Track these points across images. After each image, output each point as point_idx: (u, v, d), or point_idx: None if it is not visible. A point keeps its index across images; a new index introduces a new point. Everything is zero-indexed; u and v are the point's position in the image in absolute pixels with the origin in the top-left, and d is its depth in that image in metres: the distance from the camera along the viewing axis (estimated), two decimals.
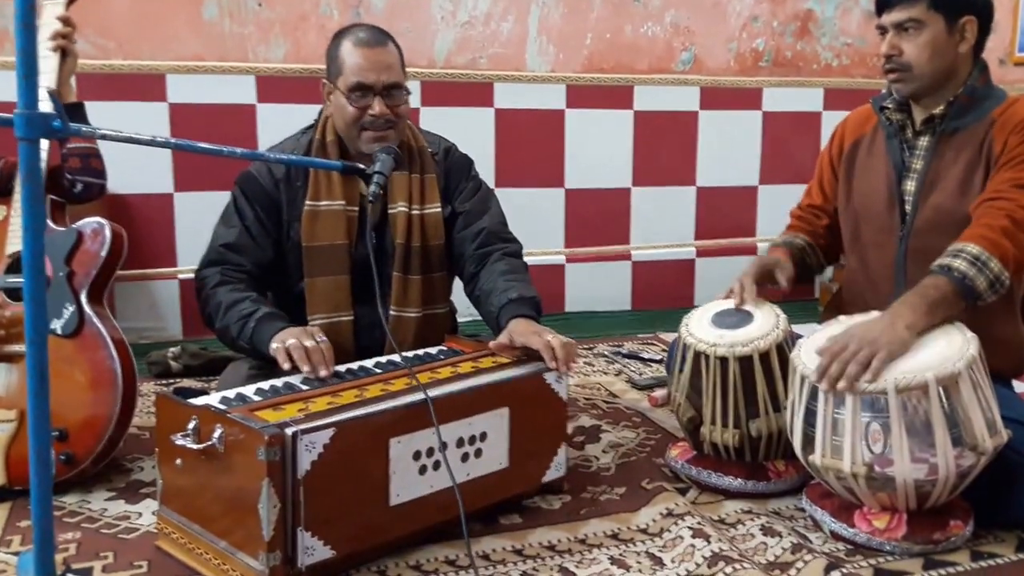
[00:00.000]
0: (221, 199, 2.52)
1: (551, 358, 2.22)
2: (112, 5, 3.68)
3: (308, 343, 2.16)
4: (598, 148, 4.41)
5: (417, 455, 1.99)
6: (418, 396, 2.00)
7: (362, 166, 2.27)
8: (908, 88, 2.33)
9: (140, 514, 2.24)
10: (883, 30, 2.34)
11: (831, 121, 4.35)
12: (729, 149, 4.65)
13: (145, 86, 3.72)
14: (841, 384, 2.02)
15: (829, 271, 4.54)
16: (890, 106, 2.42)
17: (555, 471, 2.31)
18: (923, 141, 2.38)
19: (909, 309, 2.10)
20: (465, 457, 2.10)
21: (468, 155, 2.69)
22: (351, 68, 2.39)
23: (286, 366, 2.14)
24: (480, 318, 2.52)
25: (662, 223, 4.60)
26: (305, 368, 2.12)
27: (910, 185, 2.39)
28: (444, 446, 2.01)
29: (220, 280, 2.39)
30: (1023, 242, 2.16)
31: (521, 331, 2.28)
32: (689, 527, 2.16)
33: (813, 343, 2.18)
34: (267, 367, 2.27)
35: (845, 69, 4.79)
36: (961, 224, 2.24)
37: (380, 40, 2.43)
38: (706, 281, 4.61)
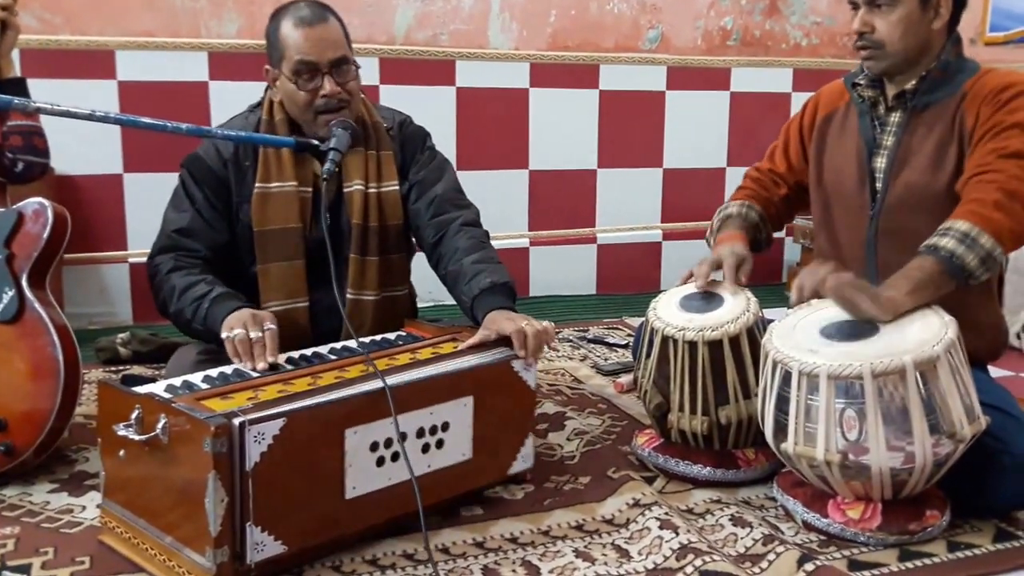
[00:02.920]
0: (173, 180, 2.46)
1: (520, 346, 2.14)
2: None
3: (252, 334, 2.09)
4: (563, 128, 4.39)
5: (375, 446, 1.92)
6: (375, 384, 1.93)
7: (316, 142, 2.21)
8: (880, 66, 2.28)
9: (84, 507, 2.16)
10: (854, 5, 2.29)
11: (800, 102, 4.31)
12: (696, 130, 4.65)
13: (93, 63, 3.65)
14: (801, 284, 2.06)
15: (796, 254, 4.54)
16: (862, 82, 2.37)
17: (522, 462, 2.25)
18: (895, 117, 2.34)
19: (891, 290, 2.06)
20: (426, 448, 2.02)
21: (423, 127, 2.61)
22: (293, 48, 2.30)
23: (236, 361, 2.09)
24: (442, 303, 2.45)
25: (628, 205, 4.59)
26: (246, 364, 2.06)
27: (880, 162, 2.34)
28: (403, 437, 1.94)
29: (174, 266, 2.32)
30: (1019, 213, 2.08)
31: (494, 319, 2.21)
32: (656, 518, 2.11)
33: (784, 327, 2.13)
34: (217, 352, 2.19)
35: (814, 49, 4.79)
36: (933, 201, 2.20)
37: (320, 16, 2.33)
38: (673, 264, 4.60)
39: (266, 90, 2.46)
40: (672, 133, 4.59)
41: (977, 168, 2.15)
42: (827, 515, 2.08)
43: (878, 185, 2.33)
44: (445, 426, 2.05)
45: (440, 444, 2.05)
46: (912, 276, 2.06)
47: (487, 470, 2.18)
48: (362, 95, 2.46)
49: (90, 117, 1.73)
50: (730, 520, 2.13)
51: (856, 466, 1.97)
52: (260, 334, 2.09)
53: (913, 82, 2.27)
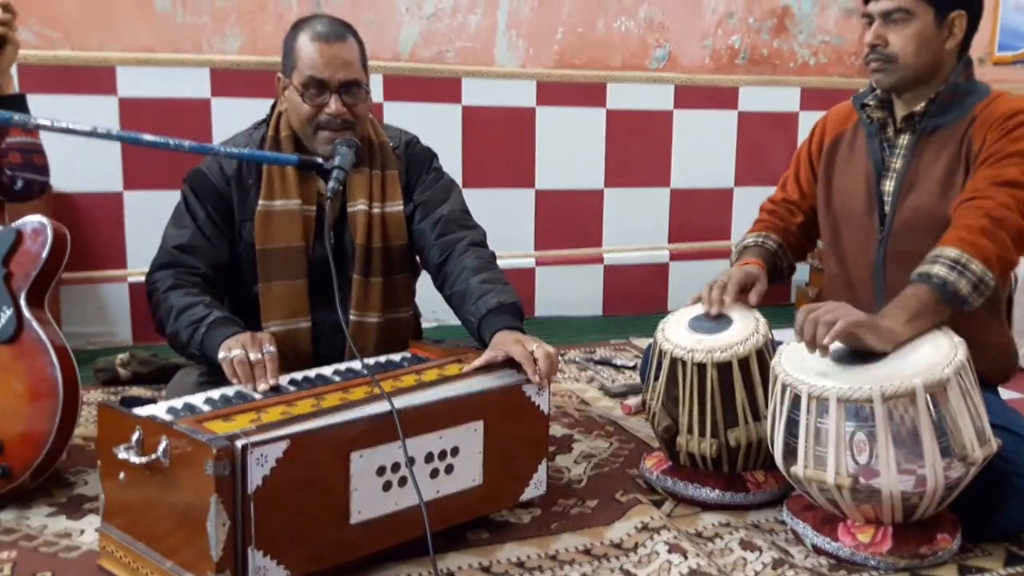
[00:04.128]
0: (173, 198, 2.44)
1: (533, 371, 2.11)
2: None
3: (252, 355, 2.06)
4: (569, 147, 4.38)
5: (381, 470, 1.89)
6: (382, 407, 1.90)
7: (320, 160, 2.19)
8: (890, 80, 2.27)
9: (83, 531, 2.13)
10: (869, 18, 2.28)
11: (808, 121, 4.31)
12: (704, 150, 4.64)
13: (93, 79, 3.65)
14: (819, 331, 2.00)
15: (806, 274, 4.52)
16: (871, 103, 2.36)
17: (534, 489, 2.21)
18: (904, 139, 2.32)
19: (889, 319, 2.04)
20: (434, 473, 1.99)
21: (430, 147, 2.59)
22: (306, 62, 2.28)
23: (235, 382, 2.05)
24: (445, 323, 2.42)
25: (635, 225, 4.58)
26: (247, 386, 2.03)
27: (889, 185, 2.33)
28: (411, 461, 1.91)
29: (173, 284, 2.29)
30: (1005, 240, 2.09)
31: (502, 341, 2.18)
32: (665, 542, 2.09)
33: (794, 350, 2.11)
34: (218, 374, 2.16)
35: (822, 68, 4.78)
36: (941, 226, 2.18)
37: (339, 34, 2.32)
38: (680, 285, 4.59)
39: (273, 106, 2.45)
40: (680, 152, 4.58)
41: (970, 193, 2.15)
42: (837, 539, 2.05)
43: (886, 208, 2.32)
44: (455, 451, 2.02)
45: (449, 469, 2.01)
46: (908, 305, 2.05)
47: (498, 496, 2.15)
48: (369, 115, 2.44)
49: (91, 134, 1.71)
50: (739, 544, 2.11)
51: (867, 489, 1.95)
52: (260, 355, 2.05)
53: (922, 104, 2.26)
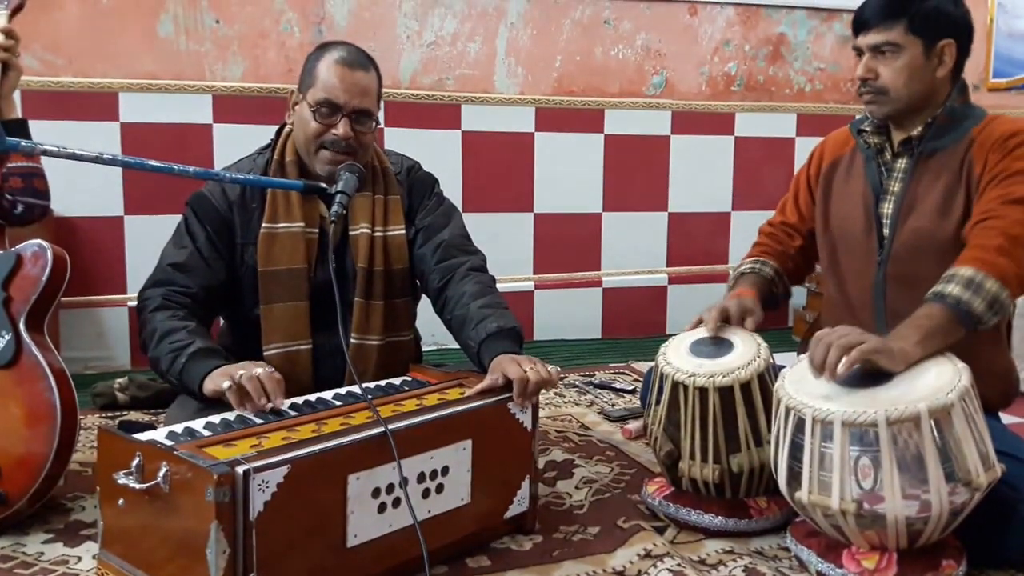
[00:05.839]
0: (174, 223, 2.44)
1: (519, 392, 2.11)
2: (62, 19, 3.61)
3: (259, 371, 2.04)
4: (568, 172, 4.40)
5: (376, 492, 1.88)
6: (376, 428, 1.89)
7: (324, 185, 2.20)
8: (883, 111, 2.29)
9: (79, 558, 2.11)
10: (859, 52, 2.31)
11: (804, 147, 4.35)
12: (701, 175, 4.66)
13: (96, 104, 3.66)
14: (830, 355, 1.98)
15: (803, 298, 4.51)
16: (868, 129, 2.38)
17: (518, 506, 2.20)
18: (901, 163, 2.33)
19: (901, 340, 2.03)
20: (426, 493, 1.98)
21: (432, 173, 2.61)
22: (324, 83, 2.31)
23: (244, 406, 2.02)
24: (445, 347, 2.41)
25: (633, 249, 4.59)
26: (260, 400, 2.00)
27: (888, 208, 2.33)
28: (405, 482, 1.89)
29: (160, 304, 2.28)
30: (1022, 257, 2.09)
31: (500, 363, 2.18)
32: (668, 569, 2.08)
33: (797, 373, 2.10)
34: (217, 399, 2.15)
35: (818, 94, 4.80)
36: (941, 248, 2.19)
37: (362, 63, 2.36)
38: (679, 308, 4.59)
39: (278, 131, 2.46)
40: (677, 177, 4.59)
41: (982, 214, 2.15)
42: (842, 565, 2.03)
43: (885, 231, 2.32)
44: (445, 470, 2.01)
45: (440, 489, 2.01)
46: (921, 325, 2.04)
47: (484, 514, 2.14)
48: (373, 144, 2.46)
49: (97, 160, 1.70)
50: (743, 571, 2.09)
51: (871, 515, 1.93)
52: (267, 371, 2.05)
53: (919, 128, 2.28)
